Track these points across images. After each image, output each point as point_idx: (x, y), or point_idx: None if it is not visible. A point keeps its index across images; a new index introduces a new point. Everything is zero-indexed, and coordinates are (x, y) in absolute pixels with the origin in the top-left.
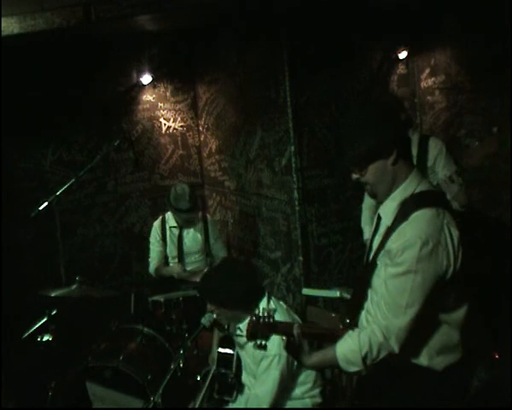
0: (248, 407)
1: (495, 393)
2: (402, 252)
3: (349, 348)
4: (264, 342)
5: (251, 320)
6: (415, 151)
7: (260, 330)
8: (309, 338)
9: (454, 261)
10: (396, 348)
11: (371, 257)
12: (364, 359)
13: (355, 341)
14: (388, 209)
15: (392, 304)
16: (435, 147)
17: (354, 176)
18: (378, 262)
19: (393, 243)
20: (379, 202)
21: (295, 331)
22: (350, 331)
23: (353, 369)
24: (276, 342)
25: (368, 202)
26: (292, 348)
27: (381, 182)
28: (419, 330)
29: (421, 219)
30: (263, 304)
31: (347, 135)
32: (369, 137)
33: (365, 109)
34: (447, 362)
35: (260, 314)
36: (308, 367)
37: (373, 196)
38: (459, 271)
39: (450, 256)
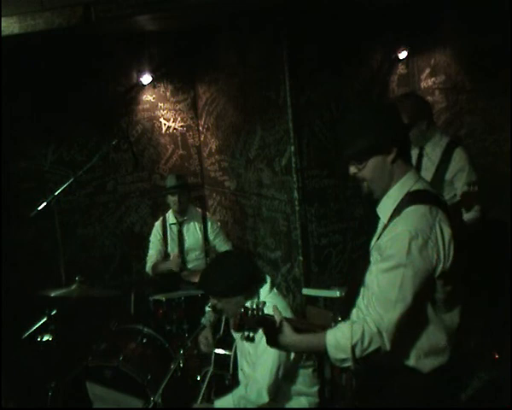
0: (248, 391)
1: (495, 393)
2: (391, 246)
3: (341, 334)
4: (251, 335)
5: (239, 312)
6: (436, 157)
7: (247, 323)
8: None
9: (444, 259)
10: (387, 345)
11: (367, 255)
12: (354, 347)
13: (348, 328)
14: (385, 207)
15: (383, 299)
16: (459, 161)
17: (352, 170)
18: (371, 258)
19: (383, 238)
20: (377, 200)
21: (280, 322)
22: (343, 322)
23: (340, 356)
24: None
25: None
26: (269, 329)
27: (378, 179)
28: (408, 330)
29: (412, 214)
30: (264, 290)
31: (349, 129)
32: (371, 132)
33: (369, 106)
34: (435, 364)
35: (249, 306)
36: (286, 345)
37: (369, 193)
38: (449, 270)
39: (440, 253)
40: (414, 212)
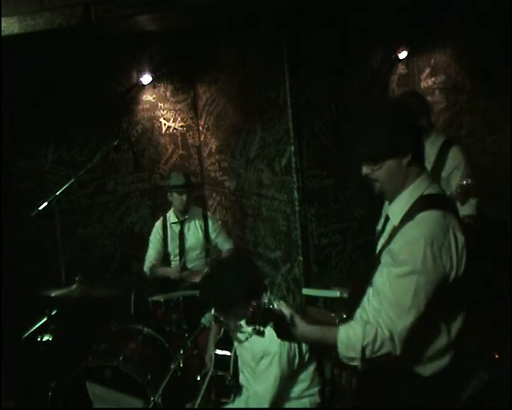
0: (249, 405)
1: (495, 393)
2: (405, 251)
3: (353, 333)
4: (262, 329)
5: (251, 305)
6: (433, 155)
7: (259, 316)
8: None
9: (457, 266)
10: (398, 349)
11: (375, 255)
12: (365, 348)
13: (361, 328)
14: (396, 209)
15: (396, 304)
16: (455, 158)
17: (365, 170)
18: (382, 260)
19: (397, 243)
20: (388, 202)
21: (291, 315)
22: (356, 321)
23: (350, 354)
24: (276, 340)
25: None
26: (281, 325)
27: (392, 181)
28: (416, 336)
29: (426, 219)
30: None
31: (367, 127)
32: (390, 134)
33: (388, 107)
34: (436, 368)
35: (261, 301)
36: (298, 336)
37: (380, 194)
38: (460, 277)
39: (453, 260)
40: (428, 217)
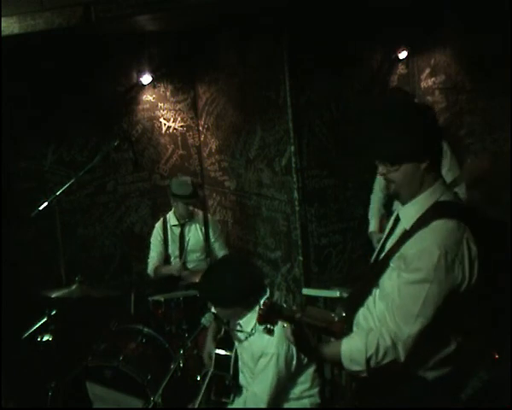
0: (247, 406)
1: (495, 393)
2: (419, 259)
3: (355, 347)
4: (272, 327)
5: (265, 304)
6: None
7: (272, 315)
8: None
9: (469, 277)
10: (402, 356)
11: (382, 256)
12: (369, 360)
13: (362, 340)
14: (409, 213)
15: (404, 311)
16: None
17: (381, 170)
18: (391, 264)
19: (410, 249)
20: (402, 204)
21: (298, 317)
22: (358, 330)
23: (355, 368)
24: (274, 341)
25: (377, 194)
26: (299, 337)
27: (409, 185)
28: (422, 343)
29: (441, 228)
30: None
31: (387, 127)
32: (411, 137)
33: (411, 107)
34: (439, 373)
35: (274, 300)
36: (310, 358)
37: (395, 196)
38: (472, 289)
39: (465, 272)
40: (442, 226)
